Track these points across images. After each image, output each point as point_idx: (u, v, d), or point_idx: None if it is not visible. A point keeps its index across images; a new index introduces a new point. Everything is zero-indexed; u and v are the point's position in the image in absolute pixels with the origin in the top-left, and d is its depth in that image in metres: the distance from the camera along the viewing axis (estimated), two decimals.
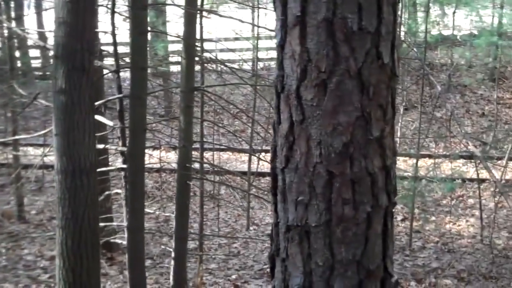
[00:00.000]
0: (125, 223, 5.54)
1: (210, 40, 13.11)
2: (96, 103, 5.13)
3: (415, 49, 8.41)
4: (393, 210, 1.85)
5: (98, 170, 5.02)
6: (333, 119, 1.67)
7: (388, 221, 1.81)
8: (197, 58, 6.04)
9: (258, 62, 12.06)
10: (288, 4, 1.70)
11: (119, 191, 6.09)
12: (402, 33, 10.00)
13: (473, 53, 13.57)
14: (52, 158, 4.81)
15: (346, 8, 1.62)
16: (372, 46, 1.65)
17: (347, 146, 1.68)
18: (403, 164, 10.42)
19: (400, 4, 9.83)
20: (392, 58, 1.72)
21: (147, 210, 6.31)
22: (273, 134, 1.83)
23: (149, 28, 5.30)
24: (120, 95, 5.51)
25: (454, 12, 15.45)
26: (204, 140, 7.26)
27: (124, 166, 5.57)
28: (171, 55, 13.31)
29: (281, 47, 1.75)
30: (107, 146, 6.16)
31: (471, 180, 9.50)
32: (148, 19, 10.21)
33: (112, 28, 5.44)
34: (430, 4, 10.07)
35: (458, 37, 15.82)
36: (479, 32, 13.40)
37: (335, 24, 1.63)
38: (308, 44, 1.66)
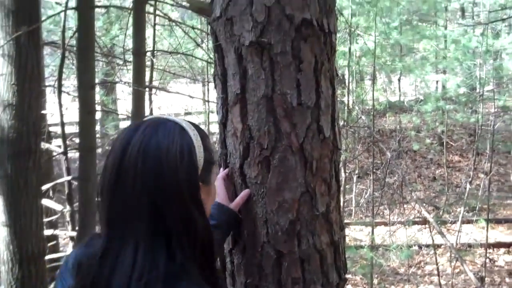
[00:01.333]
0: None
1: None
2: (44, 187, 4.97)
3: (363, 117, 8.57)
4: (345, 286, 1.79)
5: (47, 257, 4.82)
6: (278, 196, 1.63)
7: None
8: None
9: (211, 136, 12.08)
10: (228, 82, 1.69)
11: None
12: (351, 102, 10.23)
13: (421, 118, 13.95)
14: None
15: (284, 84, 1.62)
16: (313, 121, 1.65)
17: (293, 224, 1.64)
18: (359, 233, 10.42)
19: (347, 73, 10.11)
20: (333, 131, 1.71)
21: None
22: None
23: (98, 107, 5.23)
24: (68, 178, 5.36)
25: (399, 79, 15.99)
26: None
27: None
28: None
29: (223, 125, 1.73)
30: (56, 232, 5.93)
31: (427, 246, 9.52)
32: (98, 98, 10.19)
33: (60, 108, 5.35)
34: (376, 72, 10.39)
35: (405, 103, 16.28)
36: (425, 98, 13.81)
37: (275, 100, 1.62)
38: (249, 121, 1.64)
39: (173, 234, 1.19)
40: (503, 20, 10.78)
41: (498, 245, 10.13)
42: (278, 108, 1.61)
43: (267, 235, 1.64)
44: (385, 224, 10.28)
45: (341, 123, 9.58)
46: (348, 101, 9.79)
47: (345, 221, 9.76)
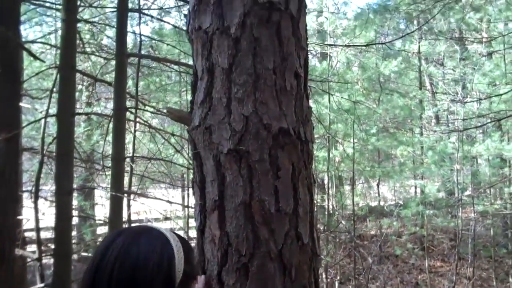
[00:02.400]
0: None
1: (138, 221, 12.93)
2: None
3: (343, 222, 8.58)
4: None
5: None
6: None
7: None
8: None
9: (190, 242, 11.91)
10: (206, 189, 1.71)
11: None
12: (331, 207, 10.27)
13: (401, 222, 13.97)
14: None
15: (262, 191, 1.64)
16: (291, 227, 1.66)
17: None
18: None
19: (326, 178, 10.22)
20: (312, 238, 1.72)
21: None
22: None
23: (75, 213, 5.18)
24: (41, 285, 5.21)
25: (378, 184, 16.17)
26: None
27: None
28: (99, 239, 13.03)
29: (201, 231, 1.73)
30: None
31: None
32: (76, 203, 10.12)
33: (36, 214, 5.29)
34: (356, 178, 10.52)
35: (385, 208, 16.35)
36: (404, 203, 13.88)
37: (253, 207, 1.63)
38: (227, 228, 1.65)
39: None
40: (476, 127, 11.13)
41: None
42: (256, 214, 1.62)
43: None
44: None
45: (322, 228, 9.58)
46: (328, 206, 9.83)
47: None
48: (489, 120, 10.19)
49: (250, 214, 1.63)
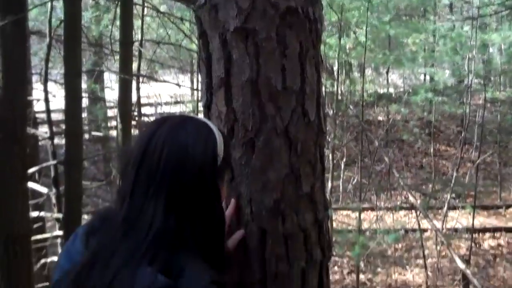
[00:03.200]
0: None
1: (148, 105, 13.07)
2: (30, 171, 5.00)
3: (351, 106, 8.64)
4: (328, 263, 1.86)
5: (33, 238, 4.84)
6: (263, 176, 1.68)
7: (323, 276, 1.81)
8: (134, 123, 6.01)
9: None
10: (212, 67, 1.74)
11: (56, 259, 5.87)
12: (340, 92, 10.28)
13: (409, 109, 14.05)
14: None
15: (269, 68, 1.66)
16: (298, 105, 1.69)
17: (278, 203, 1.69)
18: (346, 218, 10.54)
19: (337, 65, 10.16)
20: (319, 116, 1.76)
21: None
22: None
23: (85, 95, 5.25)
24: (54, 162, 5.40)
25: (387, 72, 16.06)
26: None
27: (61, 233, 5.40)
28: (109, 120, 13.24)
29: (207, 108, 1.77)
30: (42, 214, 5.96)
31: (414, 230, 9.66)
32: (87, 85, 10.19)
33: (45, 95, 5.38)
34: (366, 65, 10.46)
35: (393, 95, 16.38)
36: (413, 89, 13.89)
37: (260, 84, 1.67)
38: (234, 105, 1.69)
39: (189, 216, 1.27)
40: (490, 15, 10.86)
41: (483, 230, 10.30)
42: (263, 91, 1.66)
43: (251, 214, 1.70)
44: (372, 209, 10.43)
45: (330, 112, 9.65)
46: (337, 91, 9.85)
47: (333, 206, 9.86)
48: (503, 8, 9.92)
49: (257, 91, 1.66)
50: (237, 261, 1.69)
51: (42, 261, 6.12)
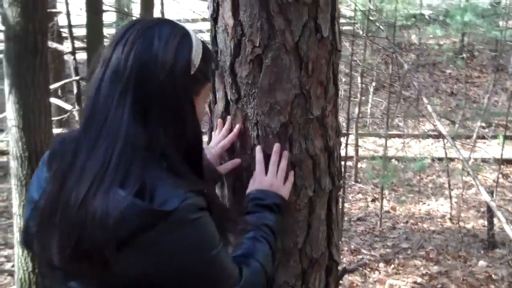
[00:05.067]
0: None
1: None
2: (52, 86, 4.94)
3: (381, 27, 8.29)
4: (338, 193, 1.74)
5: None
6: (270, 98, 1.55)
7: (332, 206, 1.70)
8: None
9: None
10: None
11: None
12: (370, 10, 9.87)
13: (444, 31, 13.53)
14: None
15: None
16: (310, 19, 1.53)
17: (285, 127, 1.56)
18: (372, 145, 10.38)
19: None
20: (333, 31, 1.59)
21: None
22: (209, 115, 1.70)
23: (105, 8, 5.10)
24: (77, 78, 5.32)
25: None
26: None
27: None
28: None
29: (213, 20, 1.62)
30: (65, 130, 5.94)
31: (440, 159, 9.47)
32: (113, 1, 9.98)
33: (67, 8, 5.23)
34: None
35: (426, 16, 15.74)
36: (447, 11, 13.30)
37: None
38: (241, 17, 1.53)
39: (158, 128, 1.15)
40: None
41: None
42: (272, 3, 1.49)
43: (257, 138, 1.57)
44: (399, 136, 10.23)
45: (360, 32, 9.32)
46: (368, 10, 9.45)
47: (359, 132, 9.68)
48: None
49: (265, 2, 1.49)
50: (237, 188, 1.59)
51: None
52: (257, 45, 1.51)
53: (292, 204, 1.59)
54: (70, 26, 5.37)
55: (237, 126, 1.59)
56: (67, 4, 5.26)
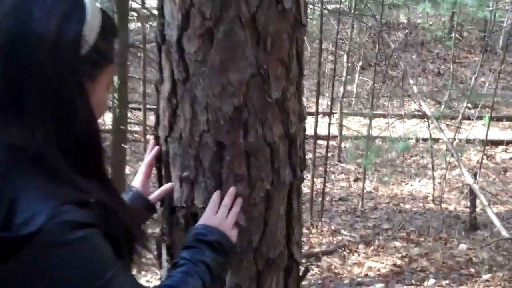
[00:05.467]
0: None
1: None
2: None
3: (368, 5, 8.08)
4: (301, 185, 1.56)
5: None
6: (222, 78, 1.35)
7: (293, 200, 1.51)
8: (134, 13, 5.58)
9: None
10: None
11: None
12: None
13: (434, 11, 13.34)
14: None
15: None
16: None
17: (239, 111, 1.37)
18: (357, 125, 10.25)
19: None
20: (297, 2, 1.40)
21: None
22: (156, 96, 1.50)
23: None
24: None
25: None
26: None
27: None
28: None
29: None
30: None
31: (424, 140, 9.37)
32: None
33: None
34: None
35: None
36: None
37: None
38: None
39: (37, 116, 0.91)
40: None
41: (496, 142, 9.99)
42: None
43: (207, 123, 1.38)
44: (384, 116, 10.11)
45: (346, 9, 9.12)
46: None
47: (344, 111, 9.53)
48: None
49: None
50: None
51: None
52: (208, 16, 1.32)
53: (246, 198, 1.41)
54: None
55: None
56: None
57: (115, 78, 5.24)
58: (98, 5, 1.02)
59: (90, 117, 0.99)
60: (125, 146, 5.26)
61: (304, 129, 1.51)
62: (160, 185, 1.50)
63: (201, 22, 1.32)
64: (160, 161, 1.50)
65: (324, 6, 7.97)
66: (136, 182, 1.45)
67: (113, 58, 1.07)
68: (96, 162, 1.01)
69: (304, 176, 1.52)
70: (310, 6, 9.34)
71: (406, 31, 13.71)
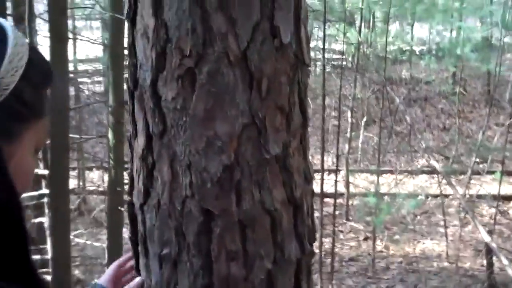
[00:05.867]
0: (49, 256, 4.94)
1: None
2: None
3: (371, 58, 7.98)
4: (311, 262, 1.26)
5: None
6: (207, 130, 1.08)
7: (302, 282, 1.21)
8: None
9: None
10: None
11: (42, 219, 5.40)
12: (362, 46, 9.60)
13: (437, 65, 13.31)
14: None
15: None
16: (264, 17, 1.07)
17: (230, 171, 1.09)
18: (364, 181, 10.01)
19: (359, 16, 9.43)
20: (297, 37, 1.14)
21: (77, 240, 5.66)
22: (130, 153, 1.23)
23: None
24: None
25: (412, 25, 15.23)
26: None
27: (47, 191, 4.94)
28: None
29: (131, 21, 1.15)
30: None
31: (435, 196, 9.11)
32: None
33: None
34: (390, 19, 9.74)
35: (417, 52, 15.57)
36: (438, 46, 13.15)
37: None
38: (165, 15, 1.07)
39: None
40: None
41: (509, 197, 9.74)
42: None
43: (191, 187, 1.10)
44: (392, 172, 9.93)
45: (350, 65, 9.03)
46: (358, 42, 9.16)
47: (350, 168, 9.31)
48: None
49: None
50: None
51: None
52: (187, 54, 1.05)
53: (242, 281, 1.11)
54: None
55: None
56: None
57: (110, 136, 5.03)
58: (26, 41, 0.77)
59: (8, 189, 0.72)
60: (122, 209, 4.98)
61: (312, 192, 1.22)
62: (137, 265, 1.21)
63: (179, 61, 1.06)
64: (136, 234, 1.21)
65: (326, 61, 7.85)
66: (103, 278, 1.18)
67: (43, 111, 0.81)
68: (18, 249, 0.73)
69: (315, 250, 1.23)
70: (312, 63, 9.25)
71: (409, 86, 13.67)
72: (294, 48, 1.12)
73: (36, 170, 5.27)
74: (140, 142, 1.16)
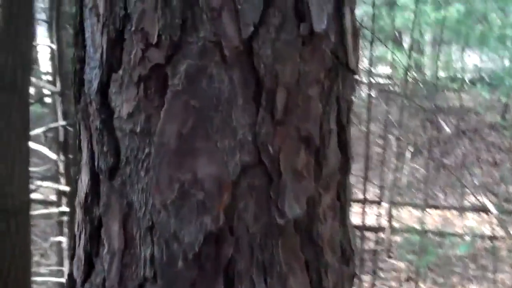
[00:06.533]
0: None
1: None
2: (33, 132, 4.36)
3: (421, 83, 7.62)
4: None
5: (35, 212, 4.32)
6: (183, 170, 0.64)
7: None
8: None
9: None
10: None
11: (62, 238, 5.09)
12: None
13: (490, 94, 12.88)
14: None
15: None
16: None
17: (218, 243, 0.64)
18: (408, 216, 9.59)
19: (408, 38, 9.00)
20: (339, 24, 0.69)
21: None
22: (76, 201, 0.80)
23: None
24: (63, 123, 4.63)
25: (463, 50, 14.79)
26: None
27: (67, 209, 4.66)
28: None
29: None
30: (46, 184, 5.17)
31: (484, 237, 8.62)
32: None
33: (57, 42, 4.57)
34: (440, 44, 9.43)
35: (466, 79, 15.13)
36: (489, 75, 12.71)
37: None
38: None
39: None
40: None
41: None
42: None
43: (152, 264, 0.66)
44: (437, 207, 9.53)
45: (396, 89, 8.71)
46: (407, 68, 8.78)
47: (394, 200, 8.92)
48: None
49: None
50: None
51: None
52: (154, 41, 0.63)
53: None
54: (60, 62, 4.69)
55: None
56: (58, 38, 4.61)
57: None
58: None
59: None
60: None
61: (352, 278, 0.77)
62: None
63: (141, 52, 0.63)
64: None
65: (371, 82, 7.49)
66: None
67: None
68: None
69: None
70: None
71: (458, 116, 13.25)
72: (332, 42, 0.68)
73: (57, 186, 4.97)
74: (83, 183, 0.73)
